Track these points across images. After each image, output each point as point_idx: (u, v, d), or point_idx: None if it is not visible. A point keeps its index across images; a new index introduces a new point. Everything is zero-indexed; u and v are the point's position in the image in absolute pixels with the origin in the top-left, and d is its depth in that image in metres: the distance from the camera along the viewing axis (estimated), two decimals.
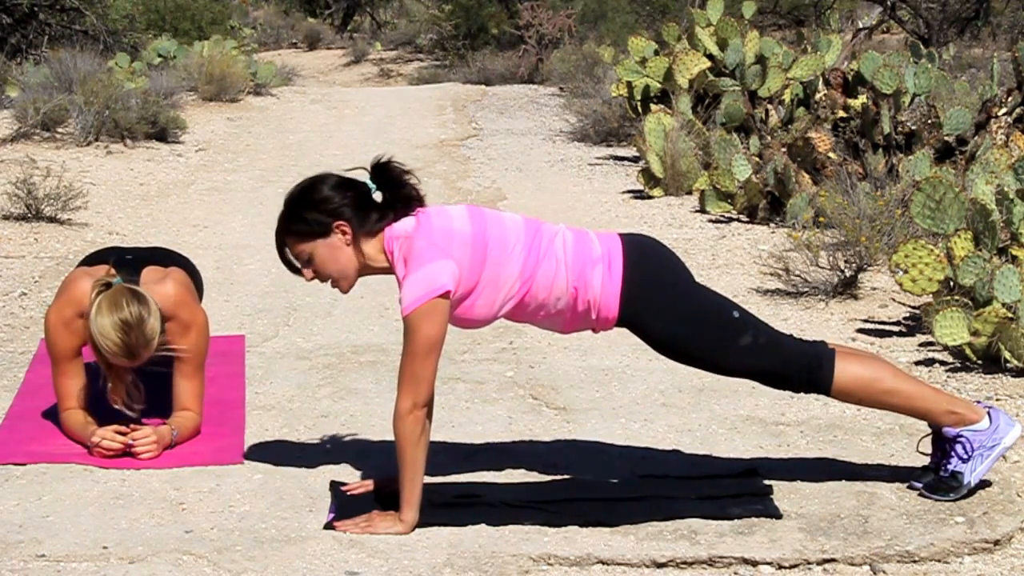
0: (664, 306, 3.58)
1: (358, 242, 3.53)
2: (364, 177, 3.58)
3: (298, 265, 3.61)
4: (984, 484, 3.69)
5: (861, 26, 18.18)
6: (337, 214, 3.51)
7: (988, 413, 3.65)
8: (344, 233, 3.52)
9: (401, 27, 27.42)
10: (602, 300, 3.56)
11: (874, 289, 6.19)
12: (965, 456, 3.61)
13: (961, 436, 3.61)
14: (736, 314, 3.62)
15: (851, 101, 9.05)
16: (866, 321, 5.74)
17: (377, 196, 3.53)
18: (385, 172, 3.55)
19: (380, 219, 3.52)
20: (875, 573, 3.32)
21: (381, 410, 4.32)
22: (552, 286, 3.55)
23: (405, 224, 3.52)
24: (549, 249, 3.56)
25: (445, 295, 3.43)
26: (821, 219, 6.75)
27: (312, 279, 3.61)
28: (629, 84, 10.75)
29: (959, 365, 5.03)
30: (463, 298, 3.52)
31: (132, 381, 4.05)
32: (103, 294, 3.91)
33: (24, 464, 3.97)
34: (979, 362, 4.97)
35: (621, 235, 3.67)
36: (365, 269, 3.58)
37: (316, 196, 3.53)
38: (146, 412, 4.18)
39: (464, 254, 3.48)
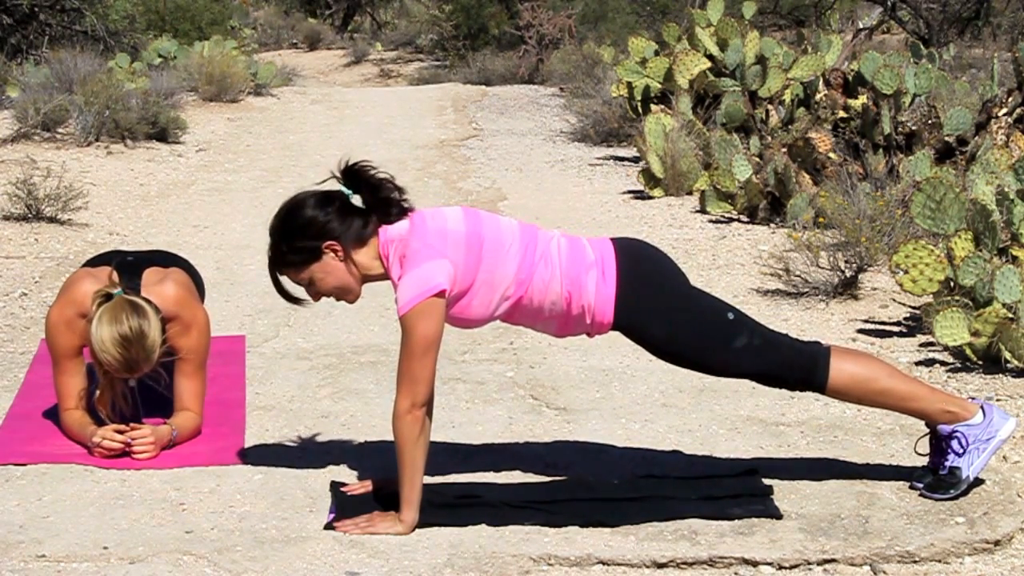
0: (658, 310, 3.58)
1: (351, 256, 3.52)
2: (337, 186, 3.56)
3: (293, 295, 3.62)
4: (978, 483, 3.69)
5: (861, 26, 18.17)
6: (324, 234, 3.49)
7: (982, 408, 3.66)
8: (336, 252, 3.51)
9: (401, 27, 27.43)
10: (596, 305, 3.56)
11: (874, 289, 6.19)
12: (961, 451, 3.62)
13: (956, 432, 3.62)
14: (731, 316, 3.62)
15: (851, 101, 9.05)
16: (866, 321, 5.73)
17: (356, 200, 3.52)
18: (356, 174, 3.54)
19: (366, 225, 3.52)
20: (875, 573, 3.32)
21: (381, 410, 4.32)
22: (547, 290, 3.55)
23: (399, 227, 3.52)
24: (545, 252, 3.56)
25: (440, 294, 3.43)
26: (821, 219, 6.75)
27: (319, 299, 3.62)
28: (629, 84, 10.75)
29: (959, 365, 5.03)
30: (459, 297, 3.52)
31: (122, 392, 4.05)
32: (104, 306, 3.90)
33: (24, 464, 3.97)
34: (979, 362, 4.97)
35: (613, 240, 3.67)
36: (365, 279, 3.58)
37: (300, 221, 3.51)
38: (146, 412, 4.18)
39: (459, 254, 3.48)
